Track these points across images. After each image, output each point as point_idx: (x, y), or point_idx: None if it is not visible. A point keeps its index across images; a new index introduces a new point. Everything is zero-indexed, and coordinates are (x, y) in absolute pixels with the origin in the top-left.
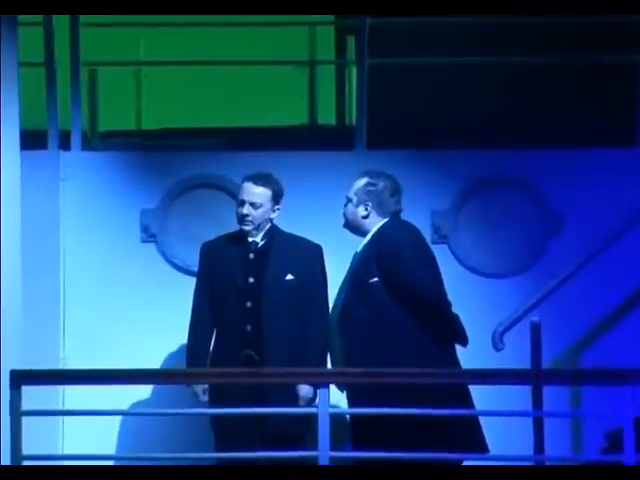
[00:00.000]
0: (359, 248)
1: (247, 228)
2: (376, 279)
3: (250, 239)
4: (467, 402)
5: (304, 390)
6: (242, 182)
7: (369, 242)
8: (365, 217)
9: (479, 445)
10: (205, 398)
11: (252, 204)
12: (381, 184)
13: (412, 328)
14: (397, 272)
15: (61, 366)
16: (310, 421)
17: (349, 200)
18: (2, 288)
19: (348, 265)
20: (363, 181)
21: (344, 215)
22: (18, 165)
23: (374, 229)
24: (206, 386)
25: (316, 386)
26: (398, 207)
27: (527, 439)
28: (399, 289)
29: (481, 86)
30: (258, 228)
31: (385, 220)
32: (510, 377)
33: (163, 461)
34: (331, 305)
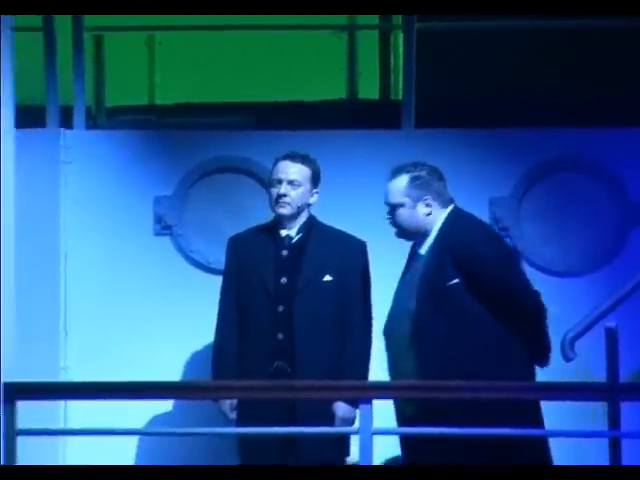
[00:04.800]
0: (423, 250)
1: (284, 211)
2: (456, 281)
3: (284, 232)
4: (538, 421)
5: (342, 409)
6: (275, 162)
7: (438, 240)
8: (428, 214)
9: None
10: (233, 415)
11: (290, 182)
12: (425, 173)
13: (499, 337)
14: (482, 268)
15: (62, 377)
16: (350, 445)
17: (399, 205)
18: None
19: (395, 263)
20: (405, 179)
21: (398, 224)
22: (12, 145)
23: (437, 225)
24: (235, 402)
25: (356, 403)
26: (450, 194)
27: (602, 463)
28: (485, 289)
29: (547, 55)
30: (295, 215)
31: (446, 212)
32: (583, 391)
33: None
34: (374, 311)
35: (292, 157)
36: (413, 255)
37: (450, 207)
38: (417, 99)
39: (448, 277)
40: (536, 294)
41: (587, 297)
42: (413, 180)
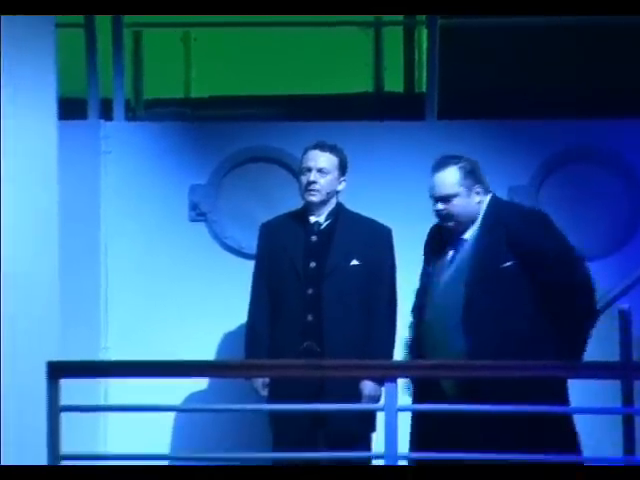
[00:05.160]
0: (468, 235)
1: (314, 198)
2: (510, 263)
3: (313, 219)
4: (565, 401)
5: (368, 387)
6: (305, 151)
7: (485, 225)
8: (479, 202)
9: (572, 445)
10: (265, 392)
11: (319, 170)
12: (467, 163)
13: (552, 318)
14: (541, 252)
15: (102, 357)
16: (376, 421)
17: (454, 196)
18: (38, 273)
19: (420, 248)
20: (456, 170)
21: (453, 213)
22: (55, 136)
23: (483, 210)
24: (267, 380)
25: (382, 382)
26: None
27: (616, 439)
28: (543, 269)
29: (563, 48)
30: (324, 202)
31: (488, 199)
32: (598, 370)
33: (215, 461)
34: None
35: (321, 146)
36: (454, 241)
37: (490, 194)
38: (440, 92)
39: (502, 259)
40: (591, 290)
41: (601, 280)
42: (464, 171)
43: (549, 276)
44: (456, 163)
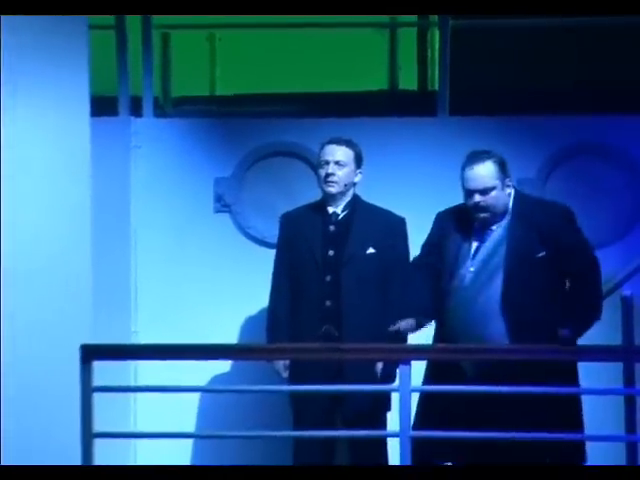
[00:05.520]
0: (495, 225)
1: (332, 190)
2: (543, 253)
3: (331, 210)
4: (575, 382)
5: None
6: (322, 146)
7: (516, 217)
8: (509, 195)
9: (577, 424)
10: (286, 374)
11: (337, 163)
12: (499, 158)
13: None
14: (573, 238)
15: (132, 340)
16: (391, 401)
17: (492, 189)
18: (72, 262)
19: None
20: (491, 164)
21: (490, 205)
22: (88, 132)
23: (511, 202)
24: (287, 362)
25: (397, 364)
26: None
27: (618, 418)
28: (570, 258)
29: (569, 49)
30: (342, 193)
31: (513, 191)
32: (602, 353)
33: (239, 440)
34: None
35: (337, 141)
36: (482, 232)
37: (514, 188)
38: (451, 89)
39: (536, 250)
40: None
41: (604, 268)
42: (498, 165)
43: (570, 267)
44: (490, 157)
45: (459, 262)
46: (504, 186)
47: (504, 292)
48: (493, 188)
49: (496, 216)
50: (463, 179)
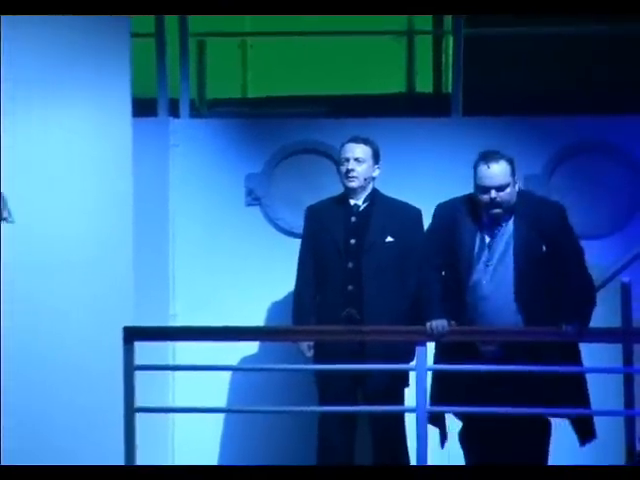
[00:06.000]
0: (504, 221)
1: (352, 184)
2: (544, 249)
3: (352, 202)
4: (578, 361)
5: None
6: (342, 145)
7: (519, 214)
8: (517, 192)
9: (583, 401)
10: (310, 354)
11: (356, 159)
12: (510, 158)
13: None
14: (568, 235)
15: (171, 323)
16: (409, 378)
17: (507, 186)
18: (116, 250)
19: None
20: (505, 163)
21: (504, 201)
22: (130, 131)
23: (514, 200)
24: (311, 343)
25: (414, 345)
26: None
27: (618, 395)
28: (569, 252)
29: (574, 53)
30: (362, 187)
31: (515, 189)
32: (603, 335)
33: (268, 414)
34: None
35: (355, 139)
36: (493, 226)
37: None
38: (464, 92)
39: (539, 246)
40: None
41: (604, 256)
42: (510, 164)
43: (566, 262)
44: (503, 157)
45: (475, 257)
46: (514, 184)
47: (517, 286)
48: (507, 185)
49: (507, 211)
50: (478, 177)
